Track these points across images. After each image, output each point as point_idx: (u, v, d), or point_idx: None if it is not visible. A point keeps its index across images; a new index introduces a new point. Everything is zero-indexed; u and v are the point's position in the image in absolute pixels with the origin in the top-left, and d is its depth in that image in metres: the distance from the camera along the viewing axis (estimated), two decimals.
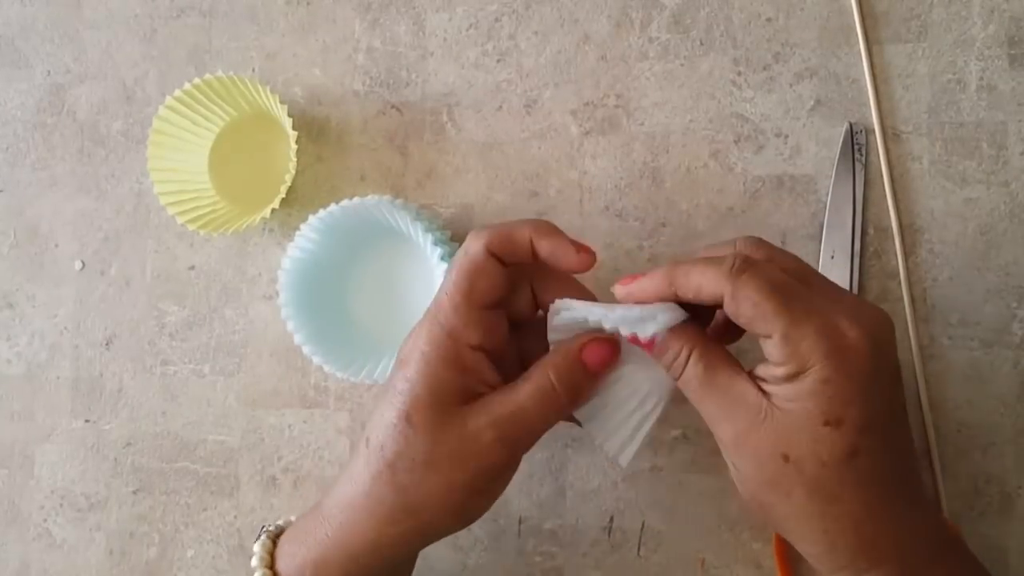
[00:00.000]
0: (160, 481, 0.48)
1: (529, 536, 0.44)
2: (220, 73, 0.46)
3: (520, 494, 0.45)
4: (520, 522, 0.45)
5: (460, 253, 0.35)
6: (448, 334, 0.34)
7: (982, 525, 0.41)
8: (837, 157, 0.43)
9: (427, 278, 0.43)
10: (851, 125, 0.43)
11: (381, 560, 0.35)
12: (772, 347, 0.30)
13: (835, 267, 0.43)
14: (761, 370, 0.32)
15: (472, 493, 0.34)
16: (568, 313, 0.34)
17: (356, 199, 0.42)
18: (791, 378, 0.30)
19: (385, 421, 0.34)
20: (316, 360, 0.43)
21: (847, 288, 0.42)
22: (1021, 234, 0.42)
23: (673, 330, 0.33)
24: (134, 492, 0.48)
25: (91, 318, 0.49)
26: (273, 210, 0.44)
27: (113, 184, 0.49)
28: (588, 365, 0.34)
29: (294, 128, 0.45)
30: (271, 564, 0.36)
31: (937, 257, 0.43)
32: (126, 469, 0.48)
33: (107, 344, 0.49)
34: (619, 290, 0.34)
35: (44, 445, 0.49)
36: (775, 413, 0.31)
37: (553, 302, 0.34)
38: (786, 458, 0.30)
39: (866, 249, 0.43)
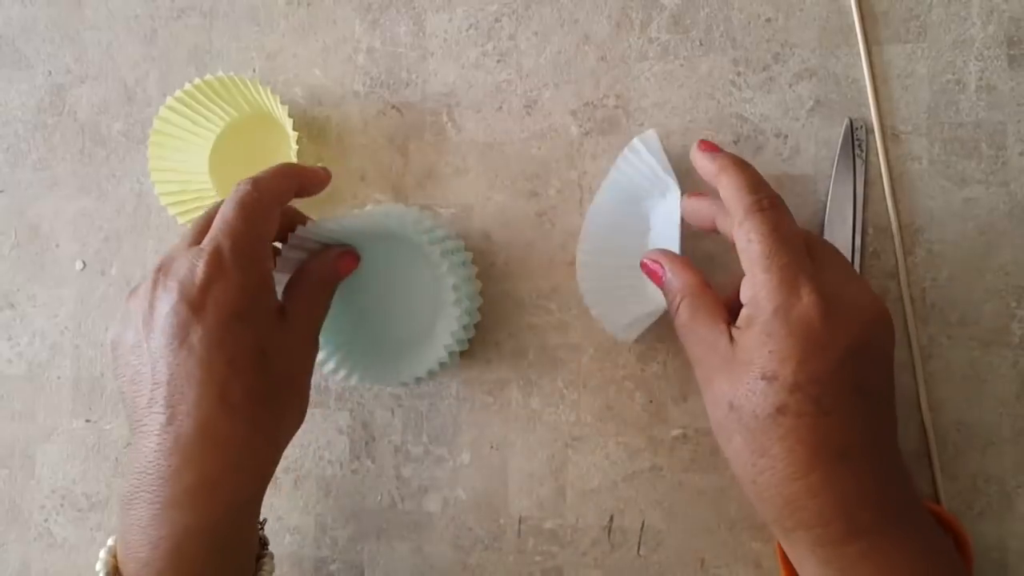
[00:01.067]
0: None
1: (529, 536, 0.45)
2: (221, 73, 0.46)
3: (520, 494, 0.45)
4: (520, 522, 0.45)
5: (251, 191, 0.36)
6: (262, 265, 0.36)
7: (982, 525, 0.41)
8: (837, 152, 0.43)
9: (432, 284, 0.43)
10: (851, 121, 0.43)
11: (250, 504, 0.36)
12: (743, 286, 0.33)
13: None
14: (740, 315, 0.33)
15: (308, 385, 0.38)
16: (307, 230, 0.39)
17: (366, 209, 0.42)
18: (747, 324, 0.32)
19: (241, 366, 0.34)
20: (338, 375, 0.43)
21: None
22: (1020, 234, 0.42)
23: (675, 274, 0.37)
24: None
25: (92, 318, 0.49)
26: None
27: (114, 184, 0.49)
28: (342, 272, 0.41)
29: (295, 128, 0.45)
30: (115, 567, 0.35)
31: (936, 257, 0.43)
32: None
33: (112, 352, 0.49)
34: (694, 153, 0.38)
35: (45, 445, 0.49)
36: (733, 362, 0.32)
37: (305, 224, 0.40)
38: (731, 405, 0.32)
39: (866, 249, 0.43)
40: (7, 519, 0.49)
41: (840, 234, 0.43)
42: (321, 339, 0.42)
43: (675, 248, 0.41)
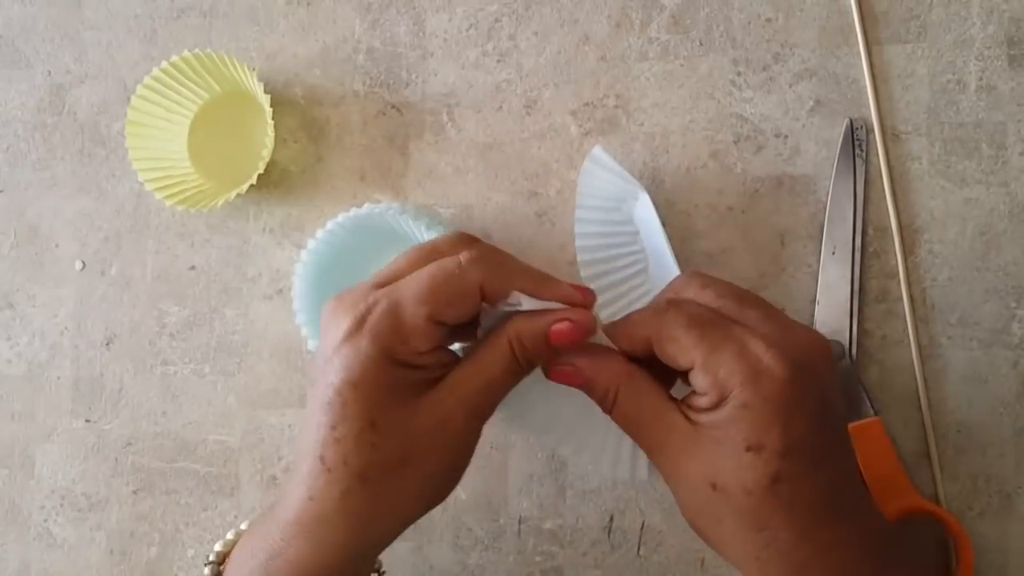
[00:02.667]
0: (160, 481, 0.48)
1: (529, 536, 0.44)
2: (186, 52, 0.46)
3: (520, 494, 0.45)
4: (520, 522, 0.45)
5: (452, 268, 0.32)
6: (402, 341, 0.32)
7: (982, 525, 0.41)
8: (837, 153, 0.43)
9: None
10: (851, 121, 0.43)
11: (361, 563, 0.35)
12: (695, 378, 0.31)
13: (836, 263, 0.43)
14: (691, 399, 0.32)
15: (450, 474, 0.34)
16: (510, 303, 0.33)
17: (366, 208, 0.42)
18: (714, 406, 0.30)
19: (342, 435, 0.32)
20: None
21: (847, 284, 0.42)
22: (1020, 234, 0.42)
23: (600, 367, 0.33)
24: (134, 492, 0.48)
25: (91, 318, 0.49)
26: (252, 186, 0.45)
27: (113, 184, 0.49)
28: (553, 342, 0.33)
29: (271, 105, 0.45)
30: None
31: (936, 257, 0.43)
32: (126, 469, 0.48)
33: (107, 344, 0.49)
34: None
35: (44, 445, 0.49)
36: (702, 442, 0.30)
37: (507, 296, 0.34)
38: (714, 486, 0.30)
39: (866, 249, 0.43)
40: (7, 519, 0.49)
41: (840, 234, 0.43)
42: (311, 330, 0.43)
43: (669, 256, 0.41)
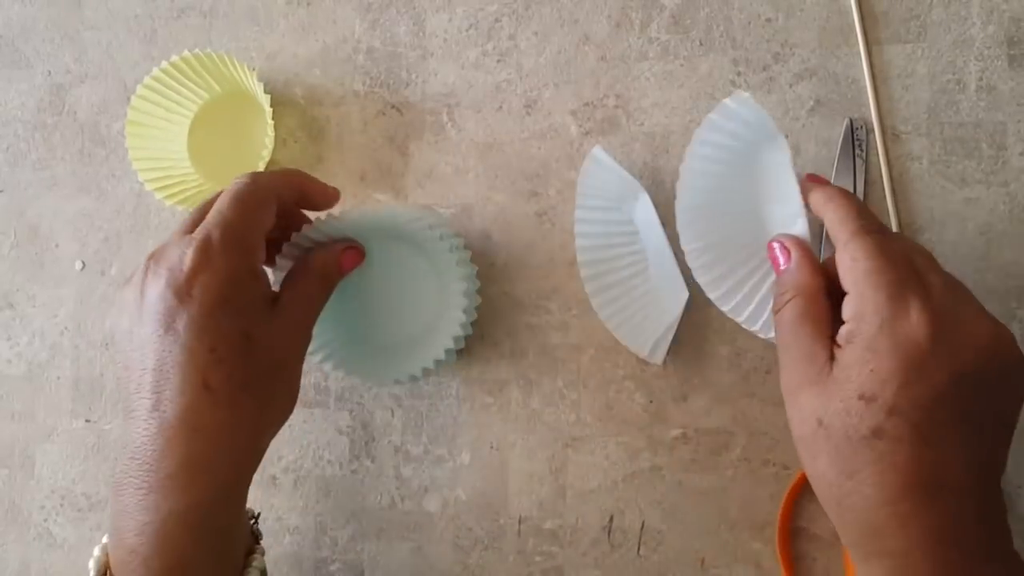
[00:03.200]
0: None
1: (529, 536, 0.44)
2: (186, 52, 0.46)
3: (520, 494, 0.45)
4: (520, 522, 0.45)
5: (241, 180, 0.37)
6: (251, 255, 0.36)
7: None
8: (838, 153, 0.43)
9: (433, 283, 0.43)
10: (851, 121, 0.43)
11: (241, 489, 0.36)
12: (846, 303, 0.31)
13: None
14: (840, 332, 0.32)
15: (299, 378, 0.38)
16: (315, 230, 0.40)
17: (369, 208, 0.42)
18: (849, 340, 0.31)
19: (223, 353, 0.34)
20: (325, 366, 0.43)
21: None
22: (1021, 234, 0.42)
23: (797, 269, 0.34)
24: None
25: (91, 318, 0.49)
26: None
27: (113, 184, 0.49)
28: (344, 266, 0.41)
29: (271, 105, 0.45)
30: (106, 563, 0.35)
31: (937, 257, 0.43)
32: None
33: (107, 344, 0.49)
34: (802, 184, 0.36)
35: (45, 445, 0.49)
36: (828, 377, 0.31)
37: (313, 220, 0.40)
38: (820, 422, 0.31)
39: None
40: (7, 519, 0.49)
41: None
42: (316, 330, 0.43)
43: (669, 256, 0.41)
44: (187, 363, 0.34)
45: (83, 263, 0.49)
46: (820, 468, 0.31)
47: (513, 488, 0.45)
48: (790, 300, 0.34)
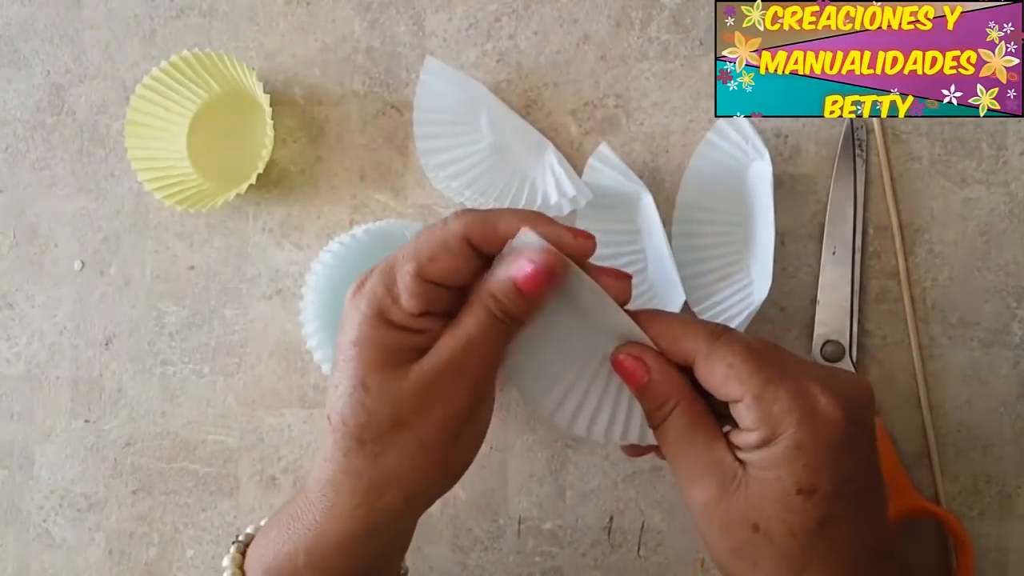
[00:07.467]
0: (160, 481, 0.48)
1: (529, 536, 0.44)
2: (186, 52, 0.46)
3: (520, 494, 0.45)
4: (520, 522, 0.45)
5: (438, 225, 0.32)
6: (393, 300, 0.31)
7: (982, 525, 0.41)
8: (838, 152, 0.43)
9: None
10: (851, 121, 0.43)
11: (375, 538, 0.33)
12: (744, 410, 0.30)
13: (837, 263, 0.43)
14: (734, 437, 0.31)
15: (447, 441, 0.32)
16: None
17: (383, 223, 0.42)
18: (764, 443, 0.30)
19: (340, 393, 0.32)
20: (325, 367, 0.43)
21: (848, 284, 0.43)
22: (1021, 234, 0.42)
23: (666, 377, 0.32)
24: (134, 492, 0.48)
25: (91, 318, 0.49)
26: (251, 186, 0.45)
27: (113, 184, 0.49)
28: (523, 291, 0.31)
29: (271, 104, 0.45)
30: (240, 564, 0.35)
31: (937, 257, 0.43)
32: (126, 469, 0.48)
33: (107, 344, 0.49)
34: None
35: (44, 445, 0.49)
36: (748, 482, 0.30)
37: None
38: (756, 528, 0.30)
39: (866, 249, 0.43)
40: (6, 519, 0.49)
41: (840, 234, 0.43)
42: (313, 328, 0.42)
43: (668, 256, 0.41)
44: (331, 388, 0.34)
45: (82, 263, 0.49)
46: (765, 573, 0.30)
47: (513, 488, 0.45)
48: (674, 408, 0.32)
